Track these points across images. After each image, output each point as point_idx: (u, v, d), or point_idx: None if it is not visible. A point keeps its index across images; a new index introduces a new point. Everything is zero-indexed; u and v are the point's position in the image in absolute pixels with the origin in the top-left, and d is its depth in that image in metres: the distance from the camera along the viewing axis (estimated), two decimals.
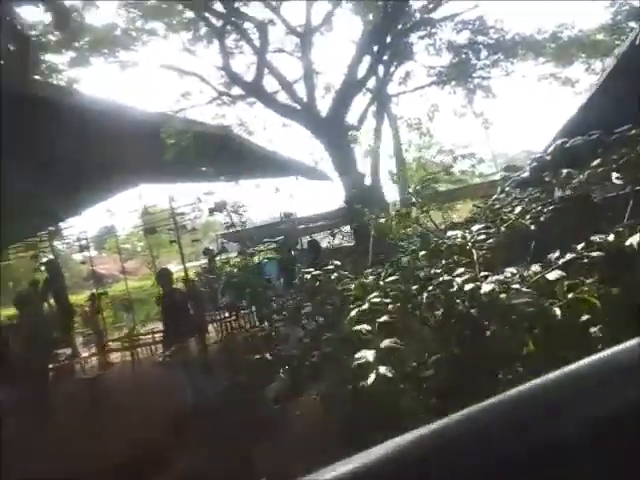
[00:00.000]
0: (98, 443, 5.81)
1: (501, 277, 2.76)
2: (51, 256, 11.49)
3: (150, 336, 10.78)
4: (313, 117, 16.58)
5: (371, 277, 3.49)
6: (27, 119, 7.36)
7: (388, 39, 17.10)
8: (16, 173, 8.73)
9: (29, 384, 7.00)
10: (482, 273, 2.91)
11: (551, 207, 3.70)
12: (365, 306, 2.86)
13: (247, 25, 17.65)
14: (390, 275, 3.46)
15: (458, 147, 20.78)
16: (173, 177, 12.70)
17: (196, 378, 5.55)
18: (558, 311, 2.37)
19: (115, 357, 11.65)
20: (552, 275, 2.57)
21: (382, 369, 2.39)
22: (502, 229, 3.67)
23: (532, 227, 3.56)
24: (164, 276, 7.50)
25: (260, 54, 16.74)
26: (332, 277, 3.60)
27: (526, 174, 3.93)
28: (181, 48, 19.70)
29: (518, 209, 3.87)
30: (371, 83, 19.11)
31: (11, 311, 12.72)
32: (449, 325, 2.75)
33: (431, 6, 19.37)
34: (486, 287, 2.60)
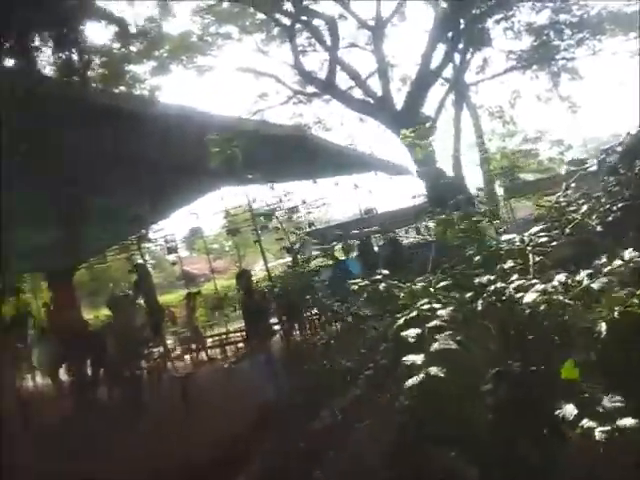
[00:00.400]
0: (187, 439, 6.00)
1: (549, 285, 2.54)
2: (140, 260, 12.00)
3: (239, 334, 11.07)
4: (388, 111, 16.38)
5: (420, 284, 3.28)
6: (113, 130, 7.68)
7: (462, 26, 16.54)
8: (108, 181, 9.22)
9: (123, 383, 7.38)
10: (534, 280, 2.69)
11: (621, 205, 3.35)
12: (413, 313, 2.74)
13: (318, 22, 17.68)
14: (441, 281, 3.27)
15: (544, 134, 19.91)
16: (251, 179, 12.90)
17: (273, 380, 5.60)
18: (604, 327, 2.15)
19: (206, 355, 12.04)
20: (597, 284, 2.35)
21: (433, 369, 2.28)
22: (566, 230, 3.40)
23: (598, 228, 3.25)
24: (243, 277, 7.62)
25: (331, 51, 16.72)
26: (380, 287, 3.42)
27: (594, 167, 3.61)
28: (255, 49, 20.08)
29: (585, 207, 3.53)
30: (448, 72, 18.66)
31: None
32: (507, 336, 2.58)
33: None
34: (528, 297, 2.44)
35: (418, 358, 2.37)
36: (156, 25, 18.35)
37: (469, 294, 2.97)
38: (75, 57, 4.46)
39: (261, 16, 18.58)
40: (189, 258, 27.76)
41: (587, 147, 26.98)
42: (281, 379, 5.48)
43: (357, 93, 17.85)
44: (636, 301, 2.17)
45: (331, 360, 3.78)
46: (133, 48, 17.88)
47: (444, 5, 17.57)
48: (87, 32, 4.97)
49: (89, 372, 8.39)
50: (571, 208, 3.64)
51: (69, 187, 7.87)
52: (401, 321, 2.73)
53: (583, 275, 2.51)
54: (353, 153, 12.19)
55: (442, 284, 3.12)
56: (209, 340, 12.89)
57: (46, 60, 4.34)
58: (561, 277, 2.57)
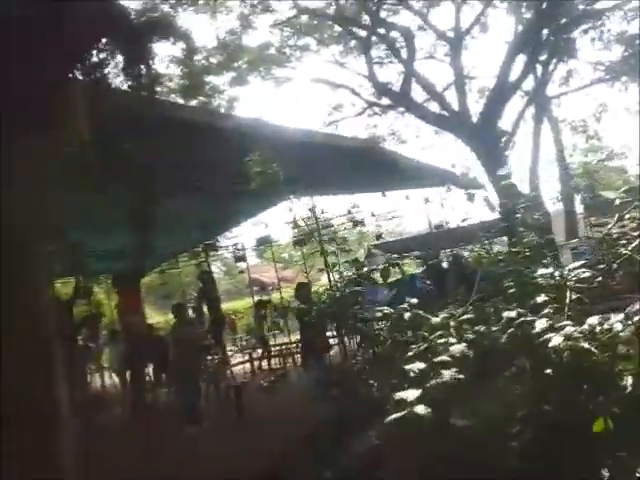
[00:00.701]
0: (232, 448, 6.04)
1: (581, 327, 2.32)
2: (207, 267, 12.28)
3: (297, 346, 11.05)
4: (463, 124, 16.00)
5: (443, 315, 3.07)
6: (187, 141, 7.89)
7: (545, 36, 15.91)
8: (181, 190, 9.54)
9: (182, 387, 7.53)
10: (566, 321, 2.46)
11: None
12: (424, 346, 2.57)
13: (395, 34, 17.57)
14: (465, 313, 3.06)
15: (632, 150, 18.79)
16: (322, 190, 12.96)
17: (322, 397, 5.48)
18: (630, 381, 1.92)
19: (268, 364, 12.13)
20: (626, 332, 2.11)
21: (419, 408, 2.12)
22: (614, 266, 3.09)
23: None
24: (302, 289, 7.57)
25: (407, 63, 16.54)
26: (405, 317, 3.24)
27: None
28: (332, 61, 20.20)
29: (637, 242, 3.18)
30: (529, 85, 18.03)
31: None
32: (534, 376, 2.39)
33: None
34: (555, 340, 2.22)
35: (412, 394, 2.23)
36: (236, 37, 18.87)
37: (495, 328, 2.79)
38: (144, 72, 4.55)
39: (339, 28, 18.70)
40: (259, 266, 28.21)
41: None
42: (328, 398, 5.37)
43: (433, 106, 17.56)
44: None
45: (362, 388, 3.65)
46: (213, 60, 18.46)
47: (527, 15, 17.05)
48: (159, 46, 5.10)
49: (150, 376, 8.64)
50: (622, 241, 3.32)
51: (142, 194, 8.16)
52: (410, 353, 2.60)
53: (613, 321, 2.29)
54: (424, 166, 11.97)
55: (464, 317, 2.93)
56: (273, 349, 12.97)
57: (114, 74, 4.45)
58: (593, 320, 2.36)
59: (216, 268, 34.12)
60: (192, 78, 17.25)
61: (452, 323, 2.90)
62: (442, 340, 2.68)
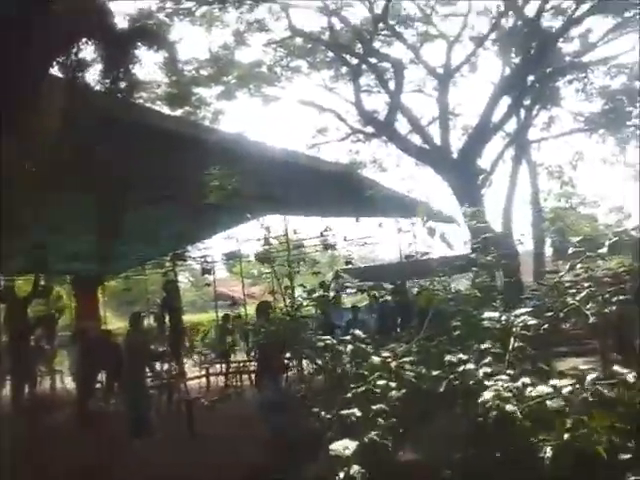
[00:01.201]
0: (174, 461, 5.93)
1: (515, 384, 2.32)
2: (172, 277, 12.15)
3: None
4: (443, 159, 16.23)
5: (385, 354, 3.02)
6: (165, 151, 7.86)
7: (531, 82, 16.31)
8: (152, 198, 9.47)
9: (131, 397, 7.38)
10: (502, 376, 2.46)
11: (623, 297, 3.03)
12: (362, 389, 2.54)
13: (386, 65, 17.84)
14: (408, 353, 3.03)
15: (604, 199, 19.22)
16: (297, 210, 12.99)
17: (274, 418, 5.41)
18: (548, 452, 1.92)
19: (225, 381, 11.94)
20: (554, 403, 2.12)
21: (355, 468, 2.07)
22: (561, 315, 3.11)
23: (591, 319, 2.95)
24: (262, 309, 7.50)
25: (394, 94, 16.78)
26: (347, 349, 3.20)
27: (604, 250, 3.29)
28: (322, 85, 20.39)
29: (585, 292, 3.20)
30: (511, 127, 18.40)
31: None
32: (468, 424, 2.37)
33: (583, 49, 18.31)
34: (486, 395, 2.22)
35: (348, 448, 2.18)
36: (229, 52, 18.97)
37: (436, 372, 2.77)
38: (122, 76, 4.56)
39: (331, 53, 18.92)
40: (228, 280, 27.99)
41: None
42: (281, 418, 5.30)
43: (415, 138, 17.80)
44: (585, 431, 1.96)
45: (305, 416, 3.59)
46: (203, 72, 18.51)
47: (515, 60, 17.48)
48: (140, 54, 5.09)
49: (101, 382, 8.46)
50: (572, 291, 3.33)
51: (111, 199, 8.09)
52: (349, 395, 2.56)
53: (542, 389, 2.29)
54: (400, 197, 12.09)
55: (406, 359, 2.89)
56: (233, 365, 12.79)
57: (92, 76, 4.46)
58: (526, 379, 2.36)
59: (184, 278, 33.93)
60: (180, 88, 17.25)
61: (393, 364, 2.85)
62: (381, 382, 2.64)
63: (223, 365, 12.42)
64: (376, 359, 2.88)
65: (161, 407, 8.27)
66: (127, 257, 13.51)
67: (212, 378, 11.91)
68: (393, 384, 2.63)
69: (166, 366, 9.54)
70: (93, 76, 4.86)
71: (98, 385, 9.00)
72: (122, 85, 4.61)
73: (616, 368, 2.39)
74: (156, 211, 10.13)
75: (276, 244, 13.72)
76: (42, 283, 8.86)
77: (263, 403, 6.01)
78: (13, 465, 4.84)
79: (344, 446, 2.22)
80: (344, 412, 2.45)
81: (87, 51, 4.67)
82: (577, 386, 2.30)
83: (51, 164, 4.74)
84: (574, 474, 2.00)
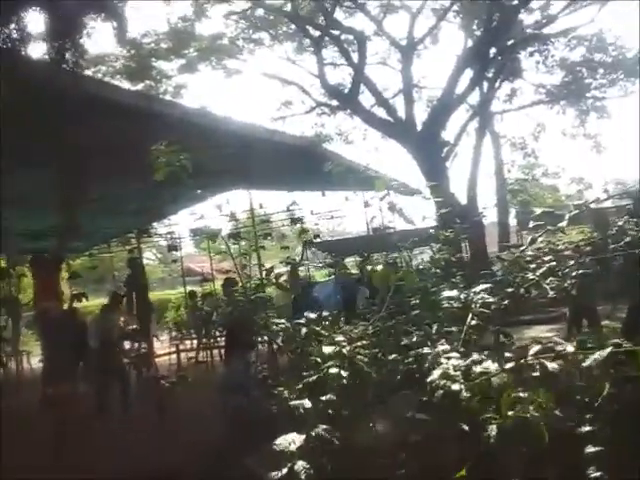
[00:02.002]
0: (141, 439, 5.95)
1: (464, 362, 2.32)
2: (137, 254, 12.00)
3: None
4: (408, 132, 16.27)
5: (340, 338, 2.89)
6: (123, 124, 7.70)
7: (493, 54, 16.40)
8: (115, 177, 9.30)
9: (97, 376, 7.35)
10: (453, 353, 2.46)
11: (581, 271, 3.07)
12: (314, 377, 2.52)
13: (349, 37, 17.69)
14: (363, 337, 2.99)
15: (565, 170, 19.62)
16: (262, 185, 12.91)
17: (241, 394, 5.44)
18: (494, 430, 1.94)
19: (195, 357, 11.93)
20: (497, 379, 2.11)
21: (300, 464, 2.04)
22: (521, 291, 3.14)
23: (550, 293, 2.98)
24: (227, 285, 7.50)
25: (357, 67, 16.67)
26: (302, 332, 3.18)
27: (564, 223, 3.34)
28: (285, 58, 20.15)
29: (546, 267, 3.18)
30: (474, 99, 18.54)
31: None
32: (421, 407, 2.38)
33: (544, 21, 18.45)
34: (434, 374, 2.23)
35: (294, 442, 2.17)
36: (189, 24, 18.53)
37: (392, 356, 2.77)
38: (69, 46, 4.44)
39: (294, 25, 18.65)
40: (196, 256, 27.80)
41: (608, 188, 26.51)
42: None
43: (380, 111, 17.78)
44: (530, 407, 1.94)
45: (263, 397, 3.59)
46: (163, 45, 18.06)
47: (477, 32, 17.52)
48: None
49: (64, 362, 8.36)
50: (533, 265, 3.33)
51: (70, 175, 7.91)
52: (300, 385, 2.53)
53: (489, 364, 2.27)
54: (364, 170, 12.12)
55: (359, 343, 2.83)
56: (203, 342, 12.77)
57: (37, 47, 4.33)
58: (475, 356, 2.36)
59: (152, 255, 33.55)
60: (139, 61, 16.82)
61: (345, 351, 2.72)
62: (334, 370, 2.56)
63: (194, 341, 12.42)
64: (328, 348, 2.76)
65: (131, 386, 8.22)
66: (91, 235, 13.29)
67: (182, 354, 11.91)
68: (345, 373, 2.57)
69: (136, 344, 9.48)
70: (40, 47, 4.70)
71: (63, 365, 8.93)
72: (69, 56, 4.48)
73: (557, 339, 2.38)
74: (117, 187, 9.94)
75: (243, 219, 13.74)
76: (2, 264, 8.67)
77: (224, 382, 6.05)
78: None
79: (290, 440, 2.18)
80: (293, 403, 2.43)
81: (31, 21, 4.49)
82: (522, 361, 2.24)
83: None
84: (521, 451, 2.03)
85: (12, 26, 3.95)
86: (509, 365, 2.18)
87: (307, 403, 2.36)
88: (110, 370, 7.71)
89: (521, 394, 2.04)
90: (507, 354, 2.46)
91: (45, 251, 10.04)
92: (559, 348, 2.23)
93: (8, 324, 9.69)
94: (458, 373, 2.28)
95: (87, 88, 5.90)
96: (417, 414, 2.49)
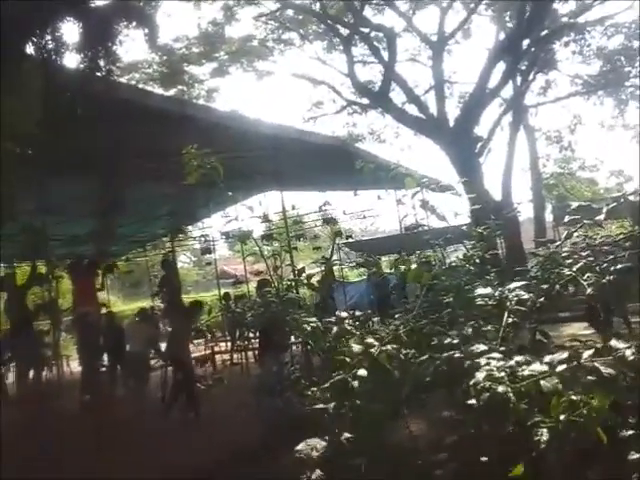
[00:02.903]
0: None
1: (508, 363, 2.22)
2: (171, 257, 12.14)
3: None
4: (440, 128, 16.07)
5: (371, 339, 2.77)
6: (159, 129, 7.79)
7: (526, 46, 16.05)
8: (150, 181, 9.46)
9: (134, 378, 7.46)
10: (495, 354, 2.36)
11: (620, 266, 2.91)
12: (339, 377, 2.38)
13: (379, 34, 17.58)
14: (395, 340, 2.88)
15: (603, 162, 19.09)
16: (293, 186, 12.93)
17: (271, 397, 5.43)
18: (545, 436, 1.86)
19: (230, 359, 12.01)
20: (547, 383, 2.02)
21: (317, 473, 1.99)
22: (556, 287, 2.98)
23: (589, 290, 2.83)
24: (262, 287, 7.51)
25: (388, 64, 16.53)
26: (332, 331, 3.09)
27: (601, 217, 3.19)
28: (315, 57, 20.15)
29: (582, 262, 3.02)
30: (507, 93, 18.21)
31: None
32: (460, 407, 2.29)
33: (579, 10, 17.98)
34: (478, 376, 2.13)
35: (316, 447, 2.12)
36: (219, 28, 18.69)
37: (423, 357, 2.68)
38: (102, 54, 4.50)
39: (323, 25, 18.62)
40: (232, 259, 28.04)
41: None
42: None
43: (412, 108, 17.62)
44: (585, 412, 1.85)
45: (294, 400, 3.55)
46: (195, 49, 18.27)
47: (510, 24, 17.19)
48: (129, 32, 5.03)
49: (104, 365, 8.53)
50: (569, 261, 3.17)
51: (107, 182, 8.06)
52: (326, 385, 2.47)
53: (536, 367, 2.19)
54: (394, 167, 12.01)
55: (388, 347, 2.73)
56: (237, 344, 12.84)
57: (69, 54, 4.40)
58: (520, 358, 2.27)
59: (186, 259, 34.02)
60: (170, 67, 17.05)
61: (374, 350, 2.63)
62: (362, 372, 2.48)
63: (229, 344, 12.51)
64: (356, 347, 2.72)
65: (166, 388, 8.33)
66: (127, 239, 13.54)
67: (217, 357, 12.01)
68: (370, 374, 2.51)
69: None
70: (73, 56, 4.77)
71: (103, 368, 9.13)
72: (103, 64, 4.54)
73: (613, 343, 2.29)
74: (152, 191, 10.10)
75: (276, 220, 13.79)
76: (41, 269, 8.87)
77: (258, 384, 6.06)
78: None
79: (312, 446, 2.14)
80: (317, 407, 2.38)
81: (65, 29, 4.56)
82: (574, 363, 2.15)
83: (36, 145, 4.69)
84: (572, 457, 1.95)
85: (48, 37, 4.01)
86: (561, 367, 2.11)
87: (331, 406, 2.32)
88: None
89: (573, 397, 1.97)
90: (556, 355, 2.37)
91: (83, 256, 10.24)
92: (616, 349, 2.14)
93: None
94: (503, 374, 2.21)
95: (121, 95, 5.98)
96: (456, 415, 2.43)
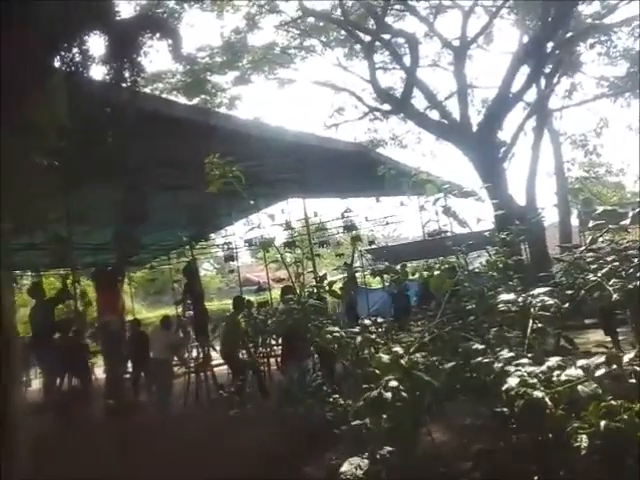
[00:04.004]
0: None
1: (539, 369, 2.16)
2: (193, 264, 12.21)
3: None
4: (463, 133, 15.94)
5: (397, 348, 2.74)
6: (181, 138, 7.88)
7: (550, 49, 15.85)
8: (174, 190, 9.58)
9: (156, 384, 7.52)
10: (524, 359, 2.31)
11: None
12: (375, 393, 2.35)
13: (400, 40, 17.55)
14: (420, 348, 2.83)
15: (630, 166, 18.71)
16: (316, 193, 12.95)
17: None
18: (585, 441, 1.80)
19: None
20: (585, 388, 1.98)
21: None
22: (581, 293, 2.94)
23: (615, 295, 2.76)
24: (286, 294, 7.51)
25: (410, 70, 16.48)
26: (356, 342, 3.05)
27: (627, 221, 3.11)
28: (336, 64, 20.19)
29: (608, 267, 2.97)
30: (531, 97, 17.99)
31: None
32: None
33: (604, 11, 17.72)
34: (511, 382, 2.10)
35: (360, 466, 2.10)
36: (242, 36, 18.85)
37: (450, 364, 2.64)
38: (127, 66, 4.56)
39: (344, 31, 18.66)
40: (255, 266, 28.15)
41: None
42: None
43: (434, 114, 17.52)
44: (625, 417, 1.80)
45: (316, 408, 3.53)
46: (217, 58, 18.44)
47: (533, 27, 17.01)
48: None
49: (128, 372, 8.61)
50: (594, 266, 3.12)
51: (131, 190, 8.17)
52: (361, 403, 2.44)
53: (572, 372, 2.14)
54: (416, 173, 11.95)
55: (417, 355, 2.69)
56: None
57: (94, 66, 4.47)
58: (552, 363, 2.22)
59: (209, 266, 34.25)
60: (194, 76, 17.24)
61: (403, 362, 2.60)
62: (393, 384, 2.46)
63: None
64: (385, 357, 2.65)
65: (188, 395, 8.38)
66: (148, 247, 13.67)
67: None
68: (403, 386, 2.47)
69: (194, 353, 9.64)
70: (98, 68, 4.84)
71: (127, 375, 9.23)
72: (128, 75, 4.60)
73: None
74: (173, 199, 10.21)
75: (298, 228, 13.81)
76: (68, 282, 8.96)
77: (280, 390, 6.05)
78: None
79: (356, 465, 2.13)
80: (355, 423, 2.37)
81: (91, 42, 4.62)
82: (613, 367, 2.13)
83: (63, 156, 4.77)
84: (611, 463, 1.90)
85: (75, 50, 4.08)
86: (599, 373, 2.06)
87: (368, 422, 2.30)
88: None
89: (613, 402, 1.92)
90: (592, 359, 2.32)
91: (107, 264, 10.37)
92: None
93: None
94: (536, 380, 2.18)
95: (146, 105, 6.06)
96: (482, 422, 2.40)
